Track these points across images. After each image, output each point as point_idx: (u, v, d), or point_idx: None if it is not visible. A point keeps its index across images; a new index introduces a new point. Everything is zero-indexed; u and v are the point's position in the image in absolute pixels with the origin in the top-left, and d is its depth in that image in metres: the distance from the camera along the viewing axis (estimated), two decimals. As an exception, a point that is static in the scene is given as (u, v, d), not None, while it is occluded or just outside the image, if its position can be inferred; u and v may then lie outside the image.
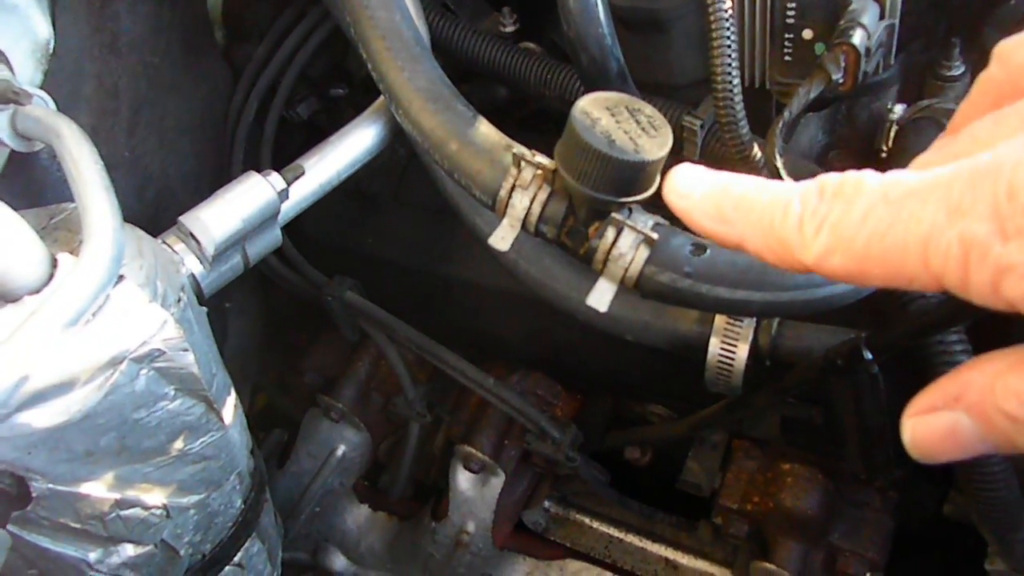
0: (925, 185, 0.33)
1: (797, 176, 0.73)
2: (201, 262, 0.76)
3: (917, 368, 0.76)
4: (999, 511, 0.82)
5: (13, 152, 0.73)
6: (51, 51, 0.79)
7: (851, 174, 0.36)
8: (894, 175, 0.34)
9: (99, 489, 0.66)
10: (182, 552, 0.76)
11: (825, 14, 0.72)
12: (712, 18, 0.66)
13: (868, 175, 0.35)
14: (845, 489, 1.04)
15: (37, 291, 0.57)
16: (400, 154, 1.18)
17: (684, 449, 1.17)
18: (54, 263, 0.58)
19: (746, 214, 0.39)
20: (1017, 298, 0.31)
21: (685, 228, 0.60)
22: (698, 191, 0.42)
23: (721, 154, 0.81)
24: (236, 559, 0.84)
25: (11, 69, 0.74)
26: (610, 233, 0.57)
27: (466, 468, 1.19)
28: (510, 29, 1.02)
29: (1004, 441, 0.34)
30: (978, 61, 0.82)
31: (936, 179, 0.33)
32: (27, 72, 0.76)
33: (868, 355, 0.73)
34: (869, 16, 0.70)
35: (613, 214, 0.57)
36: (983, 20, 0.80)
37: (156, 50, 0.97)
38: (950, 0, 0.80)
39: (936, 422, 0.35)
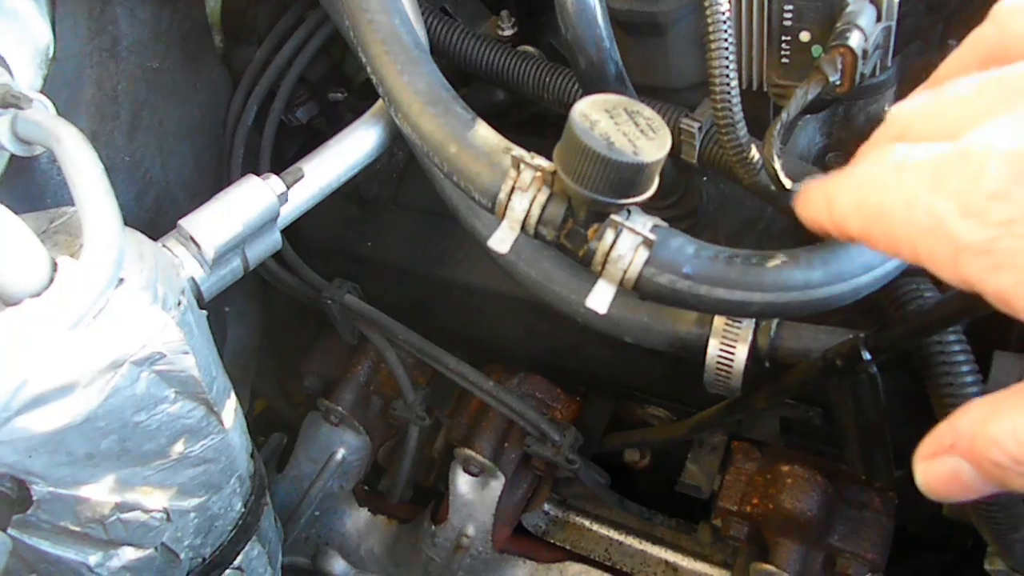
0: (927, 158, 0.35)
1: (795, 178, 0.74)
2: (201, 266, 0.76)
3: (916, 368, 0.76)
4: (998, 511, 0.82)
5: (13, 156, 0.73)
6: (51, 56, 0.79)
7: (889, 144, 0.38)
8: (917, 146, 0.36)
9: (100, 492, 0.66)
10: (182, 555, 0.76)
11: (822, 16, 0.72)
12: (709, 21, 0.66)
13: (900, 145, 0.37)
14: (845, 490, 1.04)
15: (38, 294, 0.57)
16: (399, 157, 1.19)
17: (683, 451, 1.17)
18: (55, 266, 0.58)
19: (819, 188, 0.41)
20: (973, 278, 0.33)
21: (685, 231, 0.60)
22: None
23: (719, 156, 0.82)
24: (236, 562, 0.84)
25: (11, 73, 0.74)
26: (609, 235, 0.57)
27: (466, 471, 1.19)
28: (508, 32, 1.02)
29: (999, 483, 0.36)
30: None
31: (938, 155, 0.34)
32: (27, 76, 0.76)
33: (867, 355, 0.73)
34: (866, 18, 0.70)
35: (612, 216, 0.57)
36: (979, 22, 0.81)
37: (155, 54, 0.97)
38: (947, 3, 0.80)
39: (941, 467, 0.37)
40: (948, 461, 0.37)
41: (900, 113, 0.40)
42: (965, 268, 0.33)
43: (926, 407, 0.76)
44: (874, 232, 0.37)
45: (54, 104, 0.73)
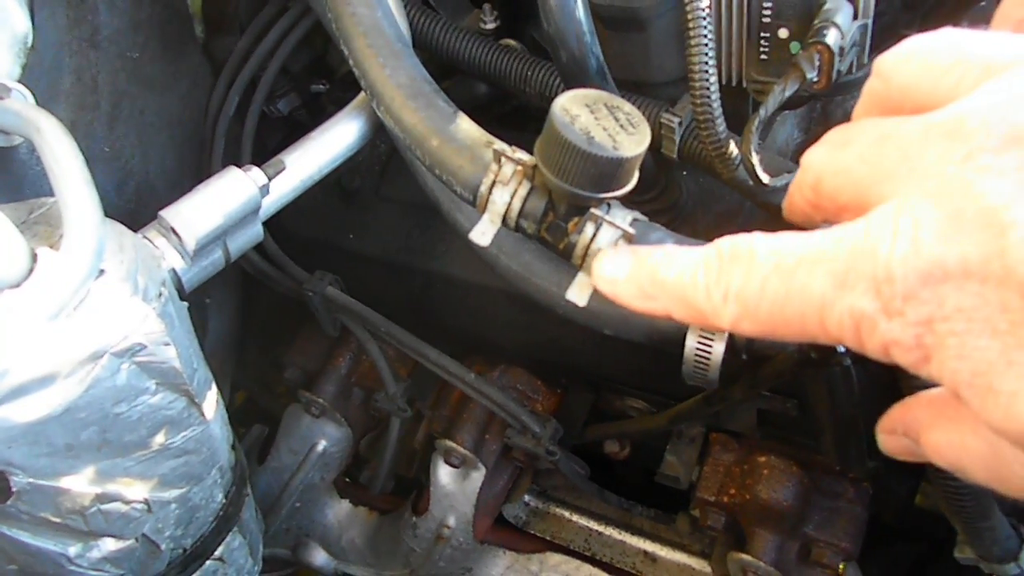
0: (812, 255, 0.36)
1: (773, 174, 0.75)
2: (182, 257, 0.76)
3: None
4: (968, 501, 0.84)
5: (-9, 146, 0.72)
6: (29, 45, 0.78)
7: (742, 239, 0.39)
8: (781, 240, 0.37)
9: (80, 483, 0.66)
10: (163, 546, 0.76)
11: (800, 13, 0.73)
12: (689, 16, 0.67)
13: (758, 240, 0.38)
14: (820, 480, 1.05)
15: (17, 285, 0.57)
16: (381, 149, 1.19)
17: (662, 443, 1.18)
18: (34, 257, 0.58)
19: (662, 288, 0.42)
20: (907, 365, 0.34)
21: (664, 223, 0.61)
22: (621, 274, 0.45)
23: (698, 151, 0.83)
24: (217, 553, 0.84)
25: (-11, 63, 0.73)
26: (589, 228, 0.58)
27: (447, 463, 1.20)
28: (491, 26, 1.02)
29: None
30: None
31: (821, 249, 0.35)
32: (5, 66, 0.76)
33: (841, 348, 0.75)
34: (843, 16, 0.71)
35: (592, 210, 0.57)
36: (955, 21, 0.82)
37: (135, 44, 0.96)
38: (923, 1, 0.81)
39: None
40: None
41: (812, 163, 0.41)
42: (899, 360, 0.34)
43: (899, 399, 0.77)
44: (783, 335, 0.37)
45: (33, 94, 0.72)
